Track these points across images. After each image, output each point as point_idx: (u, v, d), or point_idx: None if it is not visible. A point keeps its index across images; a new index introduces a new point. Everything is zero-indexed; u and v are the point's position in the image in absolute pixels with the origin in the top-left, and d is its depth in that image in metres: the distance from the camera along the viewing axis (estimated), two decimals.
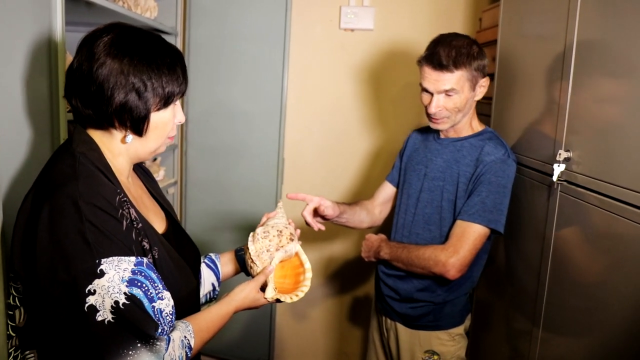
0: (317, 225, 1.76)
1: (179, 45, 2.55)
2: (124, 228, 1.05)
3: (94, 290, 0.96)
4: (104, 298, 0.96)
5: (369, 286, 2.84)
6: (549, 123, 1.52)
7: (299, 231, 1.51)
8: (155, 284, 1.05)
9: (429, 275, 1.68)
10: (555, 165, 1.41)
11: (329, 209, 1.76)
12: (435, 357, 1.79)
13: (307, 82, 2.69)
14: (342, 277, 2.87)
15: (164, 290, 1.07)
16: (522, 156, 1.71)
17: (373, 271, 2.83)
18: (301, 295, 1.35)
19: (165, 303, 1.06)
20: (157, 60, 1.10)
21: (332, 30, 2.63)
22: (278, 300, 1.33)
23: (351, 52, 2.65)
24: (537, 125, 1.65)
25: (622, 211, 1.20)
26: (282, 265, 1.42)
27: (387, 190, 2.01)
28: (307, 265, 1.43)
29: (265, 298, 1.31)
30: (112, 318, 0.96)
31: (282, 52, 2.53)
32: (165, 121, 1.15)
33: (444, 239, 1.72)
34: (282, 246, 1.39)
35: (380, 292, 1.91)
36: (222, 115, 2.65)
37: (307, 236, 2.71)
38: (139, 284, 1.02)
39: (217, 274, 1.50)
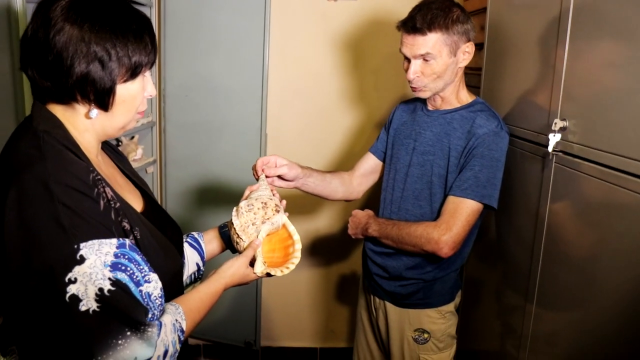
0: (281, 183, 1.67)
1: (154, 17, 2.43)
2: (102, 208, 0.96)
3: (75, 279, 0.88)
4: (86, 286, 0.89)
5: (355, 262, 2.80)
6: (543, 92, 1.46)
7: (284, 202, 1.44)
8: (141, 267, 0.98)
9: (421, 253, 1.62)
10: (550, 135, 1.34)
11: (283, 168, 1.62)
12: (426, 335, 1.75)
13: (289, 55, 2.60)
14: (328, 253, 2.82)
15: (151, 272, 1.00)
16: (515, 127, 1.65)
17: (360, 247, 2.81)
18: (292, 267, 1.30)
19: (153, 286, 1.00)
20: (121, 26, 1.00)
21: (315, 1, 2.54)
22: (268, 274, 1.28)
23: (334, 23, 2.56)
24: (530, 94, 1.59)
25: (621, 181, 1.14)
26: (270, 238, 1.37)
27: (370, 162, 1.93)
28: (296, 236, 1.37)
29: (254, 273, 1.26)
30: (98, 307, 0.89)
31: (262, 23, 2.42)
32: (133, 94, 1.05)
33: (435, 215, 1.66)
34: (268, 218, 1.33)
35: (368, 270, 1.85)
36: (202, 90, 2.55)
37: (292, 210, 2.65)
38: (124, 267, 0.94)
39: (201, 253, 1.43)
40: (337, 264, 2.85)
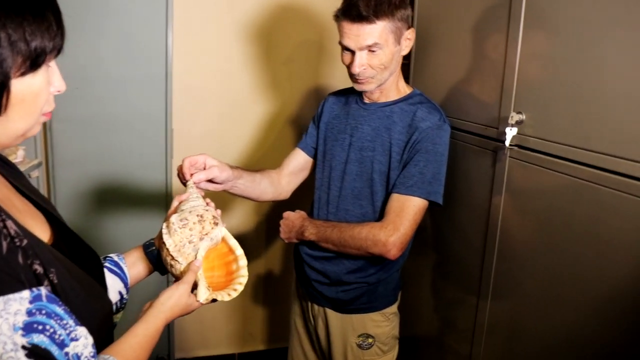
0: (209, 186, 1.44)
1: None
2: (5, 251, 0.73)
3: None
4: None
5: (271, 260, 2.69)
6: (491, 84, 1.40)
7: (219, 211, 1.26)
8: (64, 321, 0.76)
9: (366, 256, 1.51)
10: (507, 129, 1.29)
11: (214, 170, 1.40)
12: (370, 340, 1.66)
13: (195, 42, 2.36)
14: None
15: (77, 327, 0.78)
16: (456, 120, 1.59)
17: (277, 245, 2.68)
18: (240, 289, 1.13)
19: (83, 343, 0.78)
20: (14, 2, 0.74)
21: None
22: (214, 300, 1.10)
23: (243, 7, 2.36)
24: (473, 86, 1.53)
25: (581, 173, 1.12)
26: (207, 255, 1.18)
27: (299, 159, 1.78)
28: (239, 251, 1.21)
29: (198, 301, 1.08)
30: None
31: (164, 7, 2.17)
32: (35, 91, 0.80)
33: (378, 214, 1.56)
34: (206, 234, 1.15)
35: (305, 277, 1.71)
36: (95, 81, 2.23)
37: None
38: (41, 327, 0.72)
39: (124, 279, 1.20)
40: (251, 264, 2.66)
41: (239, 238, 2.58)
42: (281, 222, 1.71)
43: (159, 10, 2.18)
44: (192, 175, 1.37)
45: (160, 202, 2.33)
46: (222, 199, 1.56)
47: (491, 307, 1.46)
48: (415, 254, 1.80)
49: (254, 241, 2.67)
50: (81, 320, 0.81)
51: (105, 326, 0.95)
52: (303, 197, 1.86)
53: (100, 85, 2.24)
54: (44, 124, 2.24)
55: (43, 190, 2.31)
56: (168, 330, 2.48)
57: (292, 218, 1.68)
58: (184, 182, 1.38)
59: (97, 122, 2.27)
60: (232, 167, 1.51)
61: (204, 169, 1.41)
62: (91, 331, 0.82)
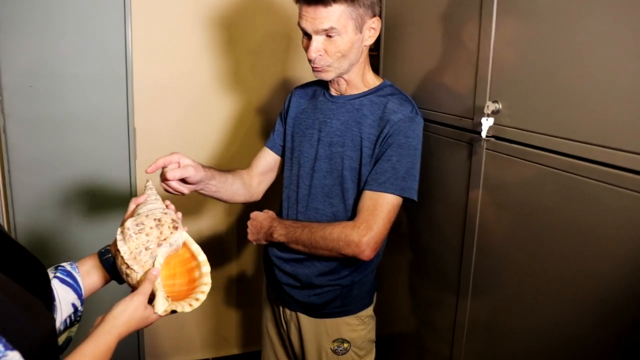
0: (181, 188, 1.38)
1: None
2: None
3: None
4: None
5: (244, 262, 2.61)
6: (465, 71, 1.33)
7: (180, 214, 1.17)
8: None
9: (338, 257, 1.43)
10: (483, 120, 1.21)
11: (189, 169, 1.35)
12: (345, 345, 1.58)
13: (156, 37, 2.25)
14: (213, 254, 2.49)
15: (8, 351, 0.70)
16: (429, 111, 1.51)
17: (250, 247, 2.58)
18: (202, 298, 1.05)
19: None
20: None
21: None
22: (174, 311, 1.01)
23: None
24: (445, 76, 1.45)
25: (562, 165, 1.05)
26: (167, 261, 1.10)
27: (268, 159, 1.69)
28: (202, 257, 1.12)
29: (156, 313, 0.99)
30: None
31: (122, 2, 2.06)
32: None
33: (350, 213, 1.48)
34: (164, 239, 1.07)
35: (275, 280, 1.62)
36: (51, 79, 2.10)
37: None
38: None
39: (77, 290, 1.10)
40: (223, 266, 2.60)
41: (210, 239, 2.53)
42: (248, 223, 1.62)
43: (117, 4, 2.07)
44: (165, 171, 1.30)
45: (124, 204, 2.17)
46: (190, 198, 1.48)
47: (471, 306, 1.39)
48: (390, 252, 1.72)
49: (225, 242, 2.57)
50: (15, 343, 0.71)
51: (46, 347, 0.85)
52: (274, 196, 1.77)
53: (56, 83, 2.11)
54: None
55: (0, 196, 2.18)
56: (138, 335, 2.38)
57: (260, 219, 1.60)
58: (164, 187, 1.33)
59: (55, 122, 2.15)
60: (204, 167, 1.44)
61: (179, 167, 1.34)
62: (28, 354, 0.73)
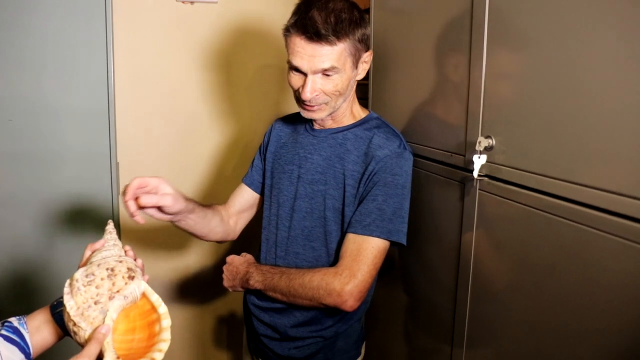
0: (157, 215, 1.23)
1: None
2: None
3: None
4: None
5: (234, 301, 2.44)
6: (455, 103, 1.21)
7: (140, 261, 1.04)
8: None
9: (319, 307, 1.30)
10: (475, 157, 1.08)
11: (167, 199, 1.19)
12: None
13: (140, 69, 2.16)
14: (202, 292, 2.40)
15: None
16: (419, 146, 1.39)
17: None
18: (159, 357, 0.91)
19: None
20: None
21: (167, 3, 2.13)
22: None
23: (192, 30, 2.18)
24: (437, 108, 1.33)
25: (561, 211, 0.92)
26: (126, 313, 0.97)
27: (246, 196, 1.56)
28: (162, 309, 0.99)
29: None
30: None
31: (104, 32, 1.97)
32: None
33: (334, 258, 1.35)
34: (117, 291, 0.95)
35: (253, 331, 1.48)
36: (30, 113, 2.01)
37: (155, 243, 2.21)
38: None
39: (25, 349, 0.99)
40: (213, 304, 2.45)
41: (201, 277, 2.39)
42: (224, 267, 1.49)
43: (98, 36, 1.99)
44: (137, 198, 1.15)
45: None
46: (177, 231, 1.36)
47: (466, 356, 1.25)
48: (381, 296, 1.58)
49: (216, 281, 2.43)
50: None
51: None
52: (251, 236, 1.64)
53: (36, 117, 2.03)
54: None
55: None
56: None
57: (237, 263, 1.47)
58: (130, 214, 1.16)
59: (35, 157, 2.05)
60: (187, 199, 1.29)
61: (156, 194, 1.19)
62: None
